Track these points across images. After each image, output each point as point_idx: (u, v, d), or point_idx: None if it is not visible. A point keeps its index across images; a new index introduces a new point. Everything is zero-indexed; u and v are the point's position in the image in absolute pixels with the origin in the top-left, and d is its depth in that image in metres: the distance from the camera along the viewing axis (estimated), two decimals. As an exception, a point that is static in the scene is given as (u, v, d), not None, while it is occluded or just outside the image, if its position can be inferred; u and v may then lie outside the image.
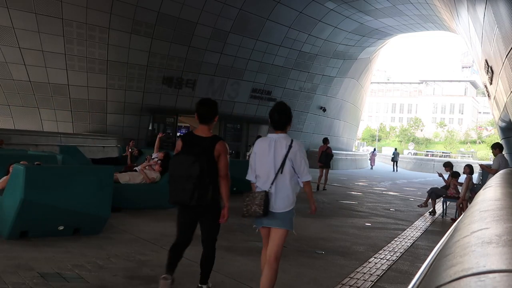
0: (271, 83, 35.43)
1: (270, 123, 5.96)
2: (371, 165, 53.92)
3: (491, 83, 18.13)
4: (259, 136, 27.73)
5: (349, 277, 7.42)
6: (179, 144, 6.14)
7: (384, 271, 7.90)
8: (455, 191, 15.38)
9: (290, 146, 5.71)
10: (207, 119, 6.07)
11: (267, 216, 5.64)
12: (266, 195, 5.62)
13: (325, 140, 22.16)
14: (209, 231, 6.19)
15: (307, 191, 5.98)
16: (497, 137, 45.71)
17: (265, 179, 5.76)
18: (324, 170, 21.39)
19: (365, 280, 7.30)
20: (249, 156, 26.19)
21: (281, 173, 5.68)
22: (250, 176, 5.96)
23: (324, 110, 41.53)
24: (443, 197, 15.96)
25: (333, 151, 22.67)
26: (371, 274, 7.66)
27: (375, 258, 8.86)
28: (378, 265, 8.30)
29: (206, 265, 6.24)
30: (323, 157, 21.50)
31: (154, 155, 14.37)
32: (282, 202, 5.69)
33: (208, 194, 5.79)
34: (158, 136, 16.21)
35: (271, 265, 5.68)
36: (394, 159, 51.36)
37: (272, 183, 5.68)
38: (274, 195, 5.67)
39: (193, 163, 5.70)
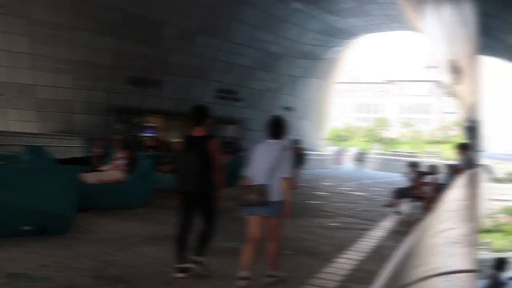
0: (237, 83, 35.40)
1: (267, 132, 7.36)
2: (337, 165, 54.07)
3: (456, 83, 18.30)
4: (225, 137, 27.79)
5: (317, 277, 7.47)
6: (180, 144, 7.55)
7: (351, 271, 7.96)
8: (421, 191, 15.49)
9: (282, 149, 7.11)
10: (198, 122, 7.43)
11: (264, 204, 6.82)
12: (263, 186, 6.83)
13: (296, 141, 22.35)
14: (208, 213, 7.39)
15: (285, 188, 6.99)
16: (462, 137, 46.03)
17: (261, 174, 6.95)
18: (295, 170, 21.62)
19: (332, 280, 7.36)
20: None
21: (274, 169, 6.93)
22: (248, 172, 7.17)
23: (291, 110, 41.57)
24: (409, 197, 16.05)
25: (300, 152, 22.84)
26: (338, 274, 7.71)
27: (342, 258, 8.92)
28: (345, 265, 8.36)
29: (204, 239, 7.37)
30: (296, 157, 21.71)
31: (118, 155, 14.30)
32: (274, 193, 6.88)
33: (207, 183, 7.21)
34: (119, 137, 16.19)
35: (274, 241, 7.13)
36: (359, 159, 51.67)
37: (267, 178, 6.89)
38: (268, 187, 6.85)
39: (194, 159, 7.14)
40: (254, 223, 7.02)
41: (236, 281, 6.68)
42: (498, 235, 41.20)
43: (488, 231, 38.86)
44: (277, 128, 7.39)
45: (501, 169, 53.72)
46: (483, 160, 20.25)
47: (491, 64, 35.59)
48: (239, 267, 6.74)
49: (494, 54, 31.63)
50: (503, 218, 45.87)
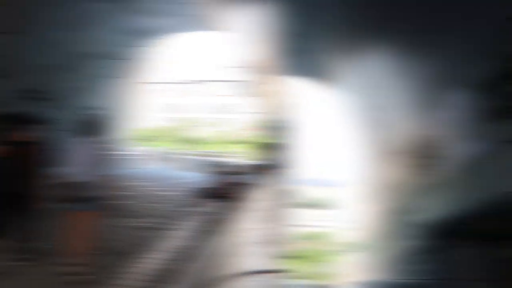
0: (43, 84, 34.45)
1: (81, 131, 8.00)
2: (144, 165, 53.82)
3: (261, 84, 18.80)
4: (34, 138, 27.05)
5: (123, 278, 7.47)
6: (3, 148, 7.73)
7: (158, 271, 8.01)
8: (226, 191, 15.74)
9: (97, 147, 7.90)
10: (16, 129, 8.07)
11: (82, 200, 7.20)
12: (80, 183, 7.22)
13: (106, 141, 22.07)
14: (23, 214, 7.58)
15: (103, 185, 7.56)
16: (268, 138, 47.11)
17: (77, 171, 7.36)
18: None
19: (138, 280, 7.39)
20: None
21: (90, 167, 7.43)
22: (64, 169, 7.49)
23: (98, 110, 40.91)
24: (214, 197, 16.27)
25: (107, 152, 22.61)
26: (145, 274, 7.75)
27: (148, 258, 8.95)
28: (152, 265, 8.39)
29: (19, 239, 7.65)
30: (107, 157, 21.39)
31: None
32: (91, 189, 7.32)
33: (21, 184, 7.49)
34: None
35: (86, 239, 7.42)
36: (166, 159, 51.74)
37: (84, 174, 7.32)
38: (84, 183, 7.27)
39: (10, 161, 7.50)
40: (72, 219, 7.22)
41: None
42: (301, 261, 42.04)
43: (291, 257, 39.55)
44: (91, 127, 8.14)
45: (311, 194, 55.33)
46: (297, 185, 20.94)
47: (304, 86, 36.54)
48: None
49: (307, 75, 32.73)
50: (307, 244, 46.79)
